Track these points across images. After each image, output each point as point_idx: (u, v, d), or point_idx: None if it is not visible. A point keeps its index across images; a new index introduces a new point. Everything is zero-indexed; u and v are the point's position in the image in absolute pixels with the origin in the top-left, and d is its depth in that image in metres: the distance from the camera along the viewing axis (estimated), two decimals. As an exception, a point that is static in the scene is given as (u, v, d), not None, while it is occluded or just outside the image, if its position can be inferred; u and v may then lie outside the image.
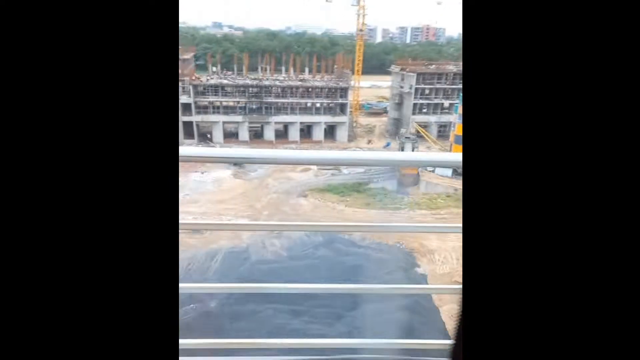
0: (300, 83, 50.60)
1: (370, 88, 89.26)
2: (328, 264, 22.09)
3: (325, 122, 51.57)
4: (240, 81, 48.79)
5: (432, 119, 53.82)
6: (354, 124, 60.36)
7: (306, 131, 52.25)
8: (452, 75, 54.55)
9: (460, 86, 54.52)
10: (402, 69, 56.09)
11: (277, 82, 49.82)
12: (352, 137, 53.67)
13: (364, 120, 65.45)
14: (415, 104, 53.69)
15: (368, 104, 74.10)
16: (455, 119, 42.19)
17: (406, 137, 41.41)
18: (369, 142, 53.11)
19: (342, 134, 52.47)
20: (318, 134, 51.63)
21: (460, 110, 39.79)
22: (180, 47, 65.36)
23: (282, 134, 51.60)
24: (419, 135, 45.25)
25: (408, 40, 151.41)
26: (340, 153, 1.59)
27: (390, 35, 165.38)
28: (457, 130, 39.59)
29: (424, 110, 54.41)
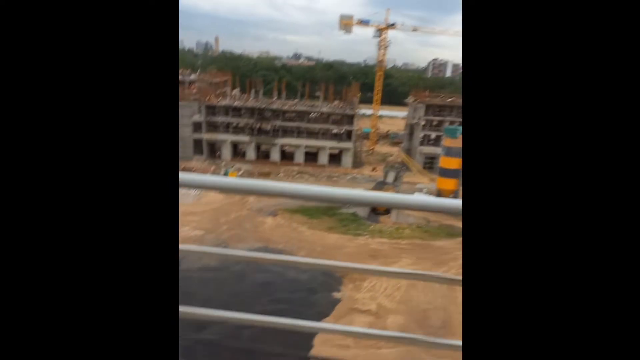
0: (308, 108, 51.71)
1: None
2: (237, 279, 22.33)
3: (330, 148, 51.90)
4: (249, 104, 51.00)
5: (440, 150, 52.08)
6: (370, 152, 60.12)
7: (316, 155, 52.94)
8: (458, 107, 52.77)
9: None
10: (414, 100, 55.18)
11: (285, 107, 51.33)
12: (358, 164, 53.38)
13: (384, 148, 64.87)
14: (425, 135, 52.43)
15: (394, 133, 73.58)
16: (440, 151, 40.65)
17: (390, 166, 40.57)
18: (373, 169, 52.37)
19: (347, 160, 52.43)
20: (323, 158, 52.08)
21: (444, 142, 38.40)
22: (220, 71, 69.97)
23: (290, 156, 52.72)
24: (404, 165, 43.90)
25: None
26: (324, 189, 1.59)
27: (461, 70, 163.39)
28: (441, 162, 38.18)
29: (433, 142, 52.89)
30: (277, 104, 52.12)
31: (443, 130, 41.40)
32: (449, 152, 36.74)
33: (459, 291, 24.83)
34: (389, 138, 72.27)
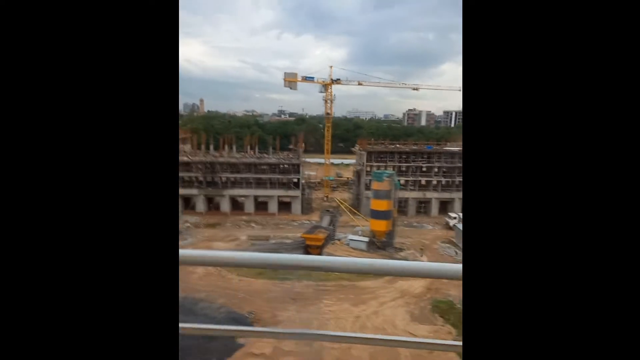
0: (255, 160, 52.98)
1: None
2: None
3: (280, 196, 52.67)
4: (197, 159, 52.09)
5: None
6: (325, 198, 61.12)
7: (275, 203, 53.52)
8: (404, 155, 54.81)
9: (408, 163, 54.16)
10: (359, 149, 57.07)
11: (232, 160, 52.49)
12: (308, 211, 53.98)
13: (340, 195, 66.00)
14: (370, 180, 53.79)
15: (352, 179, 75.43)
16: (370, 194, 41.65)
17: (326, 210, 41.27)
18: (322, 215, 53.14)
19: (296, 207, 53.10)
20: (272, 207, 52.68)
21: (373, 186, 39.51)
22: (188, 129, 71.62)
23: (242, 206, 53.14)
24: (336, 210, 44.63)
25: (452, 124, 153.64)
26: (315, 259, 1.56)
27: (437, 119, 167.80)
28: (372, 205, 39.07)
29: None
30: (224, 157, 53.24)
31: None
32: (377, 195, 37.76)
33: (364, 329, 24.73)
34: (348, 185, 74.07)
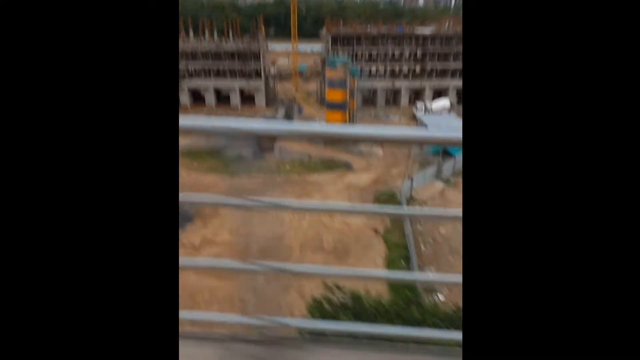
0: (212, 47, 49.50)
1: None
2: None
3: (241, 88, 50.48)
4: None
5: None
6: (295, 89, 58.90)
7: (237, 96, 51.54)
8: (373, 38, 51.18)
9: (377, 48, 51.10)
10: (326, 32, 53.11)
11: (186, 48, 49.02)
12: (273, 103, 52.34)
13: (312, 86, 63.71)
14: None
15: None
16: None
17: (281, 101, 39.93)
18: (287, 107, 51.58)
19: (260, 99, 51.27)
20: (235, 99, 50.81)
21: (327, 74, 37.55)
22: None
23: (202, 99, 51.28)
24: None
25: (453, 4, 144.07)
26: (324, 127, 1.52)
27: None
28: (327, 95, 37.58)
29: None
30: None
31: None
32: (331, 84, 36.05)
33: (301, 221, 25.50)
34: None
